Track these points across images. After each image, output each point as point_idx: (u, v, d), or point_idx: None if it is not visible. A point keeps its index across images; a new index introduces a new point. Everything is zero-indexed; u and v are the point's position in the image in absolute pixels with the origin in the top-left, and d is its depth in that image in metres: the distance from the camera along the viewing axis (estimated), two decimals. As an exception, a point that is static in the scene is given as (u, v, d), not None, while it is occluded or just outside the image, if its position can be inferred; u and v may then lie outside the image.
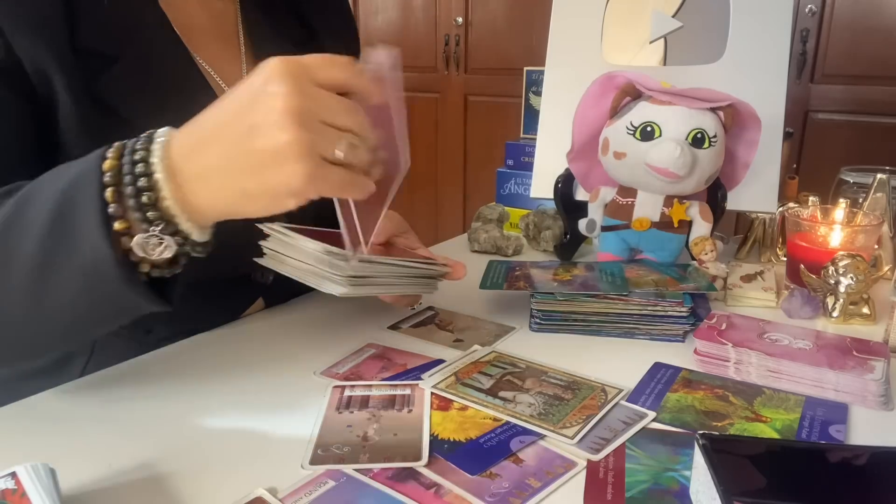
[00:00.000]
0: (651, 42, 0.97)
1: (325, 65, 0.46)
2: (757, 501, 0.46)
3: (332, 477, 0.48)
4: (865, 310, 0.77)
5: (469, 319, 0.77)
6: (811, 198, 0.94)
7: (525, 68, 1.20)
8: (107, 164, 0.46)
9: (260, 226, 0.67)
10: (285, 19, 0.83)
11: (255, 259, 0.66)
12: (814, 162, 2.13)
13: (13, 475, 0.42)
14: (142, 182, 0.46)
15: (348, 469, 0.49)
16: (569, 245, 0.94)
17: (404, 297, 0.74)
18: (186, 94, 0.68)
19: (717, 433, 0.53)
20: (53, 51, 0.59)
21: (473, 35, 2.82)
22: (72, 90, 0.60)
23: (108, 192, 0.46)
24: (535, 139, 1.00)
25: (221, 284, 0.76)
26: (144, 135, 0.48)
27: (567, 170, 0.90)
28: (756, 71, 0.90)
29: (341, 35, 0.89)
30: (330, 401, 0.59)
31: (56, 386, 0.62)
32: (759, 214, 0.97)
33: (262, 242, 0.66)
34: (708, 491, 0.42)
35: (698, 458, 0.44)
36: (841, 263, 0.76)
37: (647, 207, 0.82)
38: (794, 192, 1.02)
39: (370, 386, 0.61)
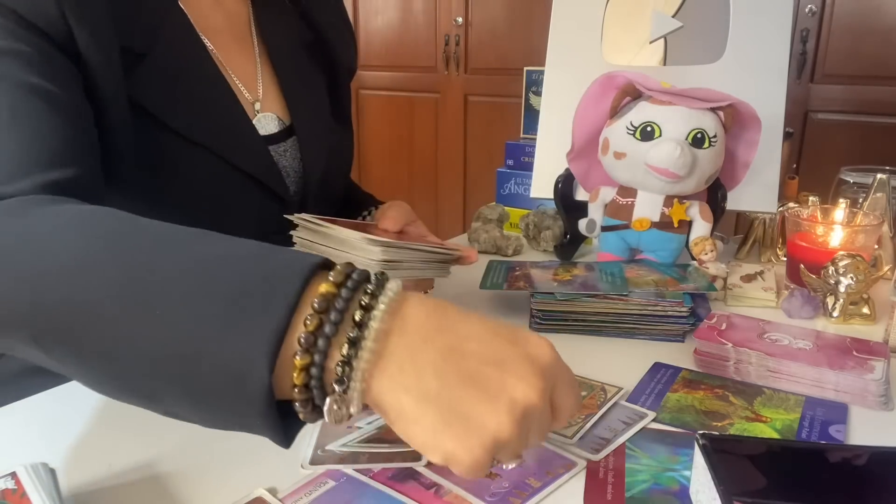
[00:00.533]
0: (651, 42, 0.97)
1: (571, 399, 0.42)
2: (757, 501, 0.46)
3: (332, 477, 0.48)
4: (865, 310, 0.77)
5: (469, 319, 0.77)
6: (811, 198, 0.94)
7: (525, 68, 1.20)
8: (323, 287, 0.37)
9: (291, 217, 0.68)
10: (293, 20, 0.83)
11: None
12: (814, 162, 2.13)
13: (13, 475, 0.42)
14: (352, 334, 0.36)
15: (348, 469, 0.49)
16: (569, 245, 0.94)
17: (422, 282, 0.75)
18: (209, 93, 0.69)
19: (717, 433, 0.53)
20: (105, 42, 0.59)
21: (473, 35, 2.82)
22: (118, 84, 0.61)
23: (310, 320, 0.36)
24: (535, 139, 1.00)
25: None
26: (382, 277, 0.39)
27: (567, 170, 0.90)
28: (756, 71, 0.90)
29: (344, 38, 0.89)
30: (330, 401, 0.59)
31: (56, 385, 0.62)
32: (759, 214, 0.97)
33: (293, 232, 0.68)
34: (708, 491, 0.42)
35: (698, 458, 0.44)
36: (841, 263, 0.76)
37: (647, 207, 0.82)
38: (794, 192, 1.02)
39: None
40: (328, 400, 0.37)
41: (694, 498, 0.45)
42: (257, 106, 0.76)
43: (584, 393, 0.59)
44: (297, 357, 0.36)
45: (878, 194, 0.91)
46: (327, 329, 0.36)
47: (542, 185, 0.97)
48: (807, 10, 2.12)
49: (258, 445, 0.53)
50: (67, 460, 0.49)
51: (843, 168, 1.02)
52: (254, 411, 0.36)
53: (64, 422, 0.56)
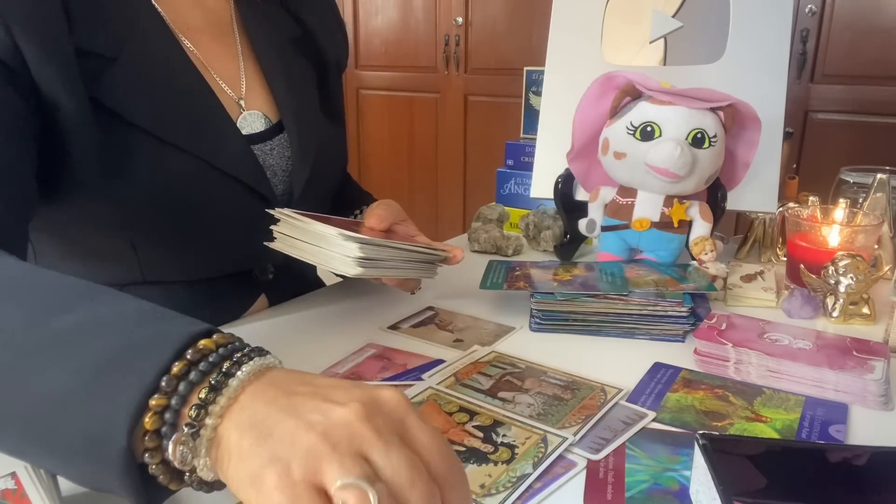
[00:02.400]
0: (651, 42, 0.97)
1: (428, 440, 0.36)
2: (757, 501, 0.46)
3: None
4: (865, 310, 0.77)
5: (469, 319, 0.77)
6: (811, 198, 0.94)
7: (525, 68, 1.20)
8: (176, 368, 0.37)
9: (271, 211, 0.68)
10: (279, 15, 0.82)
11: (266, 243, 0.68)
12: (814, 162, 2.13)
13: (13, 475, 0.42)
14: (195, 412, 0.36)
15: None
16: (569, 245, 0.94)
17: (407, 281, 0.75)
18: (185, 93, 0.68)
19: (717, 433, 0.53)
20: (56, 53, 0.58)
21: (473, 35, 2.82)
22: (75, 93, 0.60)
23: (157, 400, 0.36)
24: (535, 139, 1.00)
25: (222, 283, 0.76)
26: (244, 352, 0.39)
27: (567, 170, 0.90)
28: (756, 71, 0.90)
29: (332, 32, 0.89)
30: (330, 401, 0.59)
31: None
32: (759, 214, 0.97)
33: (273, 227, 0.68)
34: (708, 491, 0.42)
35: (698, 458, 0.44)
36: (841, 263, 0.76)
37: (647, 207, 0.82)
38: (794, 192, 1.02)
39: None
40: (174, 436, 0.35)
41: (694, 498, 0.45)
42: (242, 104, 0.75)
43: (583, 393, 0.59)
44: (154, 399, 0.35)
45: (878, 194, 0.91)
46: (192, 376, 0.36)
47: (542, 185, 0.97)
48: (807, 10, 2.12)
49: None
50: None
51: (843, 168, 1.02)
52: (113, 472, 0.36)
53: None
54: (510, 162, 1.16)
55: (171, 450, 0.35)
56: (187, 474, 0.37)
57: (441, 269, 0.79)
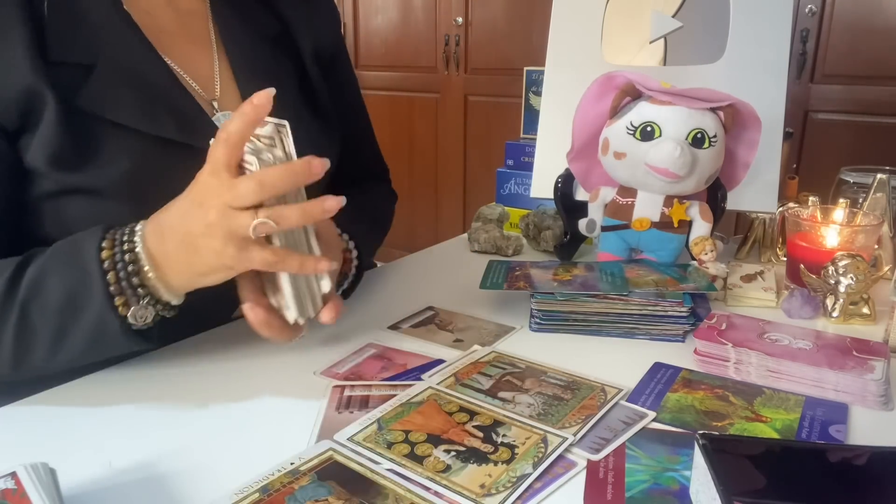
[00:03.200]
0: (651, 42, 0.97)
1: (242, 185, 0.53)
2: (757, 501, 0.46)
3: (331, 477, 0.48)
4: (865, 310, 0.77)
5: (469, 319, 0.77)
6: (811, 198, 0.94)
7: (525, 68, 1.20)
8: (104, 255, 0.56)
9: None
10: (256, 12, 0.81)
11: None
12: (814, 162, 2.13)
13: (13, 475, 0.42)
14: (132, 268, 0.56)
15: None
16: (569, 245, 0.94)
17: (285, 328, 0.61)
18: (163, 97, 0.69)
19: (717, 433, 0.53)
20: (35, 70, 0.60)
21: (473, 35, 2.82)
22: (59, 107, 0.61)
23: (111, 277, 0.56)
24: (535, 139, 1.00)
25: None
26: (128, 227, 0.58)
27: (567, 170, 0.90)
28: (756, 71, 0.90)
29: (309, 19, 0.86)
30: (330, 400, 0.59)
31: (56, 386, 0.62)
32: (759, 214, 0.97)
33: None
34: (708, 491, 0.42)
35: (698, 458, 0.44)
36: (841, 263, 0.76)
37: (647, 207, 0.82)
38: (794, 192, 1.02)
39: (370, 386, 0.61)
40: (140, 292, 0.57)
41: (694, 498, 0.45)
42: (215, 105, 0.75)
43: (584, 393, 0.59)
44: (113, 290, 0.56)
45: (878, 194, 0.91)
46: (119, 267, 0.56)
47: (542, 185, 0.97)
48: (807, 10, 2.12)
49: (258, 445, 0.53)
50: (67, 460, 0.49)
51: (843, 168, 1.02)
52: (121, 343, 0.58)
53: (64, 422, 0.56)
54: (510, 162, 1.16)
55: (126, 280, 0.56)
56: (156, 312, 0.58)
57: (441, 268, 0.79)
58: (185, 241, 0.55)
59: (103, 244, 0.57)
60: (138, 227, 0.57)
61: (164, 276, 0.57)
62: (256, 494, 0.46)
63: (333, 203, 0.54)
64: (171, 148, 0.68)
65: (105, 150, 0.65)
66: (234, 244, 0.53)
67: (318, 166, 0.54)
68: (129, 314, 0.57)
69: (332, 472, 0.48)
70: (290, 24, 0.83)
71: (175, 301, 0.59)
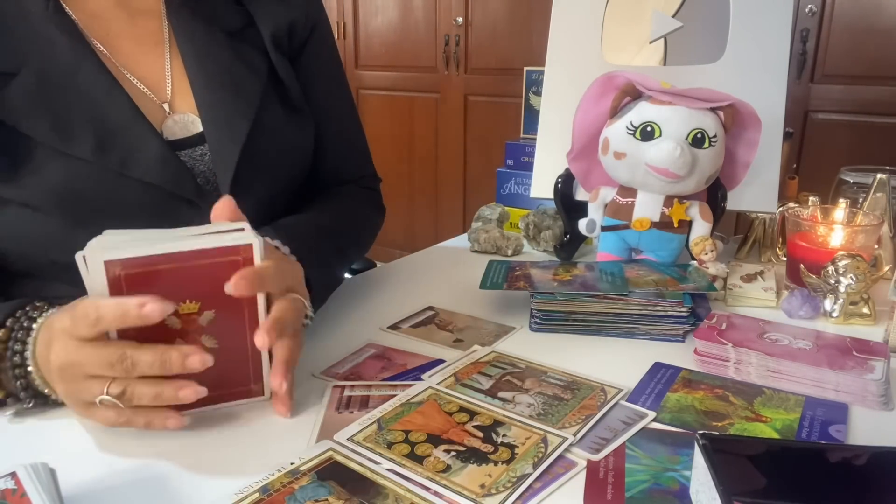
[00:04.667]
0: (651, 42, 0.97)
1: (84, 323, 0.50)
2: (757, 501, 0.46)
3: (331, 477, 0.48)
4: (865, 310, 0.77)
5: (469, 319, 0.77)
6: (811, 198, 0.94)
7: (525, 68, 1.20)
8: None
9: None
10: (218, 8, 0.78)
11: None
12: (814, 162, 2.13)
13: (13, 475, 0.42)
14: (19, 371, 0.54)
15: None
16: (569, 245, 0.94)
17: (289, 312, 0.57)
18: (97, 106, 0.66)
19: (717, 433, 0.53)
20: None
21: (473, 35, 2.82)
22: None
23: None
24: (535, 139, 1.00)
25: None
26: (27, 320, 0.55)
27: (567, 170, 0.90)
28: (756, 71, 0.90)
29: (280, 14, 0.80)
30: (330, 400, 0.59)
31: None
32: (759, 214, 0.97)
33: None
34: (708, 491, 0.42)
35: (698, 458, 0.44)
36: (841, 263, 0.76)
37: (647, 207, 0.82)
38: (794, 192, 1.02)
39: (370, 386, 0.61)
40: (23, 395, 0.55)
41: (694, 498, 0.45)
42: (166, 108, 0.73)
43: (583, 393, 0.59)
44: None
45: (878, 194, 0.91)
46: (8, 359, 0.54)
47: (542, 185, 0.97)
48: (807, 10, 2.12)
49: (258, 445, 0.53)
50: (67, 460, 0.49)
51: (843, 168, 1.02)
52: None
53: (64, 422, 0.56)
54: (510, 162, 1.16)
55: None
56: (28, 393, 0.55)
57: (441, 268, 0.79)
58: (51, 368, 0.53)
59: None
60: (35, 327, 0.55)
61: (47, 380, 0.54)
62: (256, 494, 0.46)
63: (190, 392, 0.51)
64: (96, 167, 0.65)
65: (33, 164, 0.64)
66: (80, 406, 0.52)
67: (151, 311, 0.48)
68: (8, 404, 0.56)
69: (332, 473, 0.48)
70: (255, 14, 0.79)
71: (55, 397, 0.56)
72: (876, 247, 0.87)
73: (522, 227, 1.03)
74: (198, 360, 0.50)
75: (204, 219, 0.57)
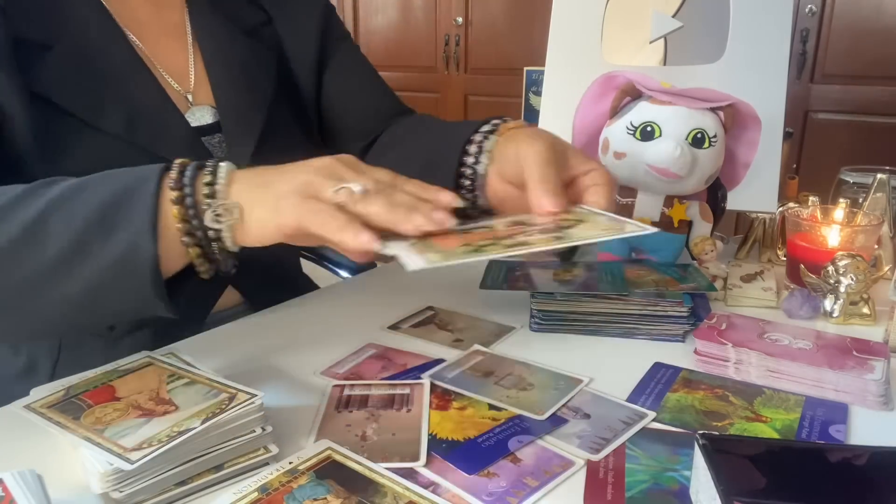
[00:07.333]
0: (651, 42, 0.97)
1: (356, 167, 0.53)
2: (757, 501, 0.46)
3: (331, 477, 0.48)
4: (865, 310, 0.77)
5: (469, 319, 0.77)
6: (811, 198, 0.94)
7: (525, 68, 1.20)
8: (172, 174, 0.51)
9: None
10: (237, 4, 0.81)
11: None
12: (814, 162, 2.13)
13: (0, 482, 0.42)
14: (208, 178, 0.51)
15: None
16: (569, 245, 0.94)
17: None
18: (127, 85, 0.68)
19: (717, 433, 0.53)
20: None
21: (473, 35, 2.82)
22: (11, 79, 0.60)
23: (173, 181, 0.51)
24: (534, 139, 1.00)
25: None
26: (211, 162, 0.53)
27: (567, 170, 0.90)
28: (756, 71, 0.90)
29: (305, 23, 0.85)
30: (329, 400, 0.59)
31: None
32: (759, 214, 0.97)
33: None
34: (708, 491, 0.42)
35: (698, 458, 0.44)
36: (841, 263, 0.76)
37: (647, 207, 0.82)
38: (794, 192, 1.02)
39: (369, 385, 0.61)
40: (208, 212, 0.50)
41: (694, 498, 0.45)
42: (189, 98, 0.74)
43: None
44: (171, 191, 0.50)
45: (878, 194, 0.91)
46: (188, 172, 0.51)
47: (541, 185, 0.97)
48: (807, 10, 2.12)
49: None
50: (54, 466, 0.49)
51: (843, 168, 1.02)
52: (146, 282, 0.49)
53: (52, 428, 0.55)
54: (510, 162, 1.15)
55: (206, 216, 0.50)
56: (216, 246, 0.52)
57: (441, 268, 0.78)
58: (273, 190, 0.51)
59: (173, 164, 0.52)
60: (225, 165, 0.53)
61: (240, 195, 0.51)
62: (255, 493, 0.46)
63: (443, 216, 0.51)
64: (126, 145, 0.66)
65: (64, 142, 0.64)
66: (307, 197, 0.50)
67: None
68: (175, 213, 0.50)
69: (331, 471, 0.48)
70: (275, 18, 0.82)
71: (232, 247, 0.53)
72: (876, 247, 0.87)
73: (522, 226, 1.03)
74: (448, 196, 0.52)
75: None
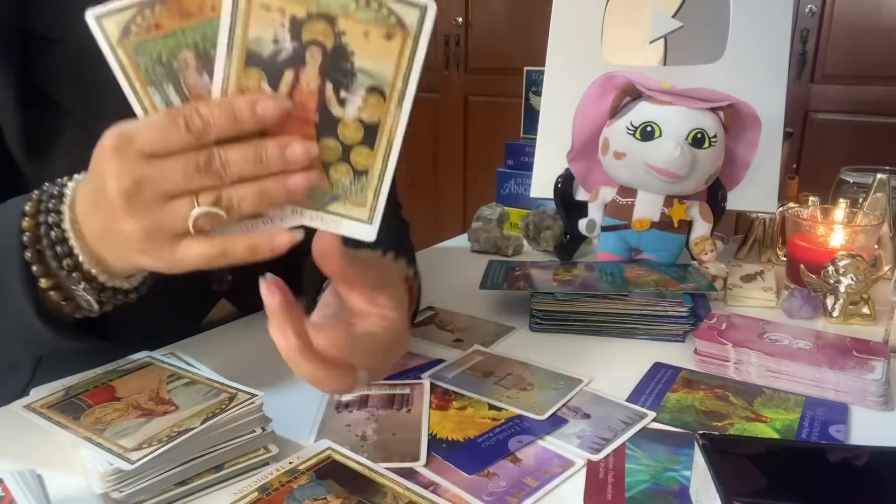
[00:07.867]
0: (651, 42, 0.97)
1: (150, 130, 0.41)
2: (757, 501, 0.46)
3: (331, 477, 0.48)
4: (865, 310, 0.77)
5: (469, 319, 0.77)
6: (811, 198, 0.94)
7: (525, 68, 1.20)
8: (25, 224, 0.46)
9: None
10: None
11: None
12: (814, 162, 2.13)
13: (0, 482, 0.42)
14: (59, 249, 0.46)
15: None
16: (569, 245, 0.94)
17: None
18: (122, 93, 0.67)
19: (717, 433, 0.53)
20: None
21: (473, 35, 2.82)
22: (11, 73, 0.59)
23: (29, 254, 0.46)
24: (535, 139, 1.00)
25: (176, 288, 0.72)
26: (56, 190, 0.47)
27: (567, 170, 0.90)
28: (756, 71, 0.90)
29: None
30: (329, 400, 0.59)
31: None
32: (759, 214, 0.97)
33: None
34: (708, 491, 0.42)
35: (698, 458, 0.44)
36: (841, 263, 0.76)
37: (647, 207, 0.82)
38: (794, 192, 1.02)
39: (369, 385, 0.61)
40: (74, 276, 0.46)
41: (694, 498, 0.45)
42: None
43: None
44: (37, 271, 0.46)
45: (878, 194, 0.91)
46: (45, 242, 0.46)
47: (542, 185, 0.97)
48: (807, 10, 2.12)
49: (257, 445, 0.53)
50: (55, 466, 0.49)
51: (843, 168, 1.02)
52: (52, 337, 0.49)
53: (52, 427, 0.55)
54: (510, 162, 1.16)
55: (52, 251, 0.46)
56: (97, 300, 0.48)
57: (441, 268, 0.78)
58: (108, 231, 0.44)
59: (27, 208, 0.47)
60: (67, 193, 0.47)
61: (99, 254, 0.46)
62: (255, 493, 0.46)
63: (301, 179, 0.41)
64: None
65: (63, 145, 0.64)
66: (163, 243, 0.41)
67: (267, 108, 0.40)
68: (65, 307, 0.48)
69: (331, 471, 0.48)
70: None
71: (126, 284, 0.49)
72: (876, 247, 0.87)
73: (522, 227, 1.03)
74: (300, 148, 0.40)
75: None
